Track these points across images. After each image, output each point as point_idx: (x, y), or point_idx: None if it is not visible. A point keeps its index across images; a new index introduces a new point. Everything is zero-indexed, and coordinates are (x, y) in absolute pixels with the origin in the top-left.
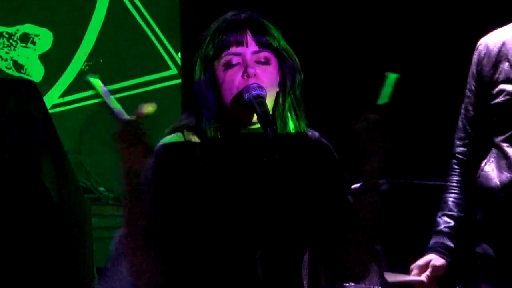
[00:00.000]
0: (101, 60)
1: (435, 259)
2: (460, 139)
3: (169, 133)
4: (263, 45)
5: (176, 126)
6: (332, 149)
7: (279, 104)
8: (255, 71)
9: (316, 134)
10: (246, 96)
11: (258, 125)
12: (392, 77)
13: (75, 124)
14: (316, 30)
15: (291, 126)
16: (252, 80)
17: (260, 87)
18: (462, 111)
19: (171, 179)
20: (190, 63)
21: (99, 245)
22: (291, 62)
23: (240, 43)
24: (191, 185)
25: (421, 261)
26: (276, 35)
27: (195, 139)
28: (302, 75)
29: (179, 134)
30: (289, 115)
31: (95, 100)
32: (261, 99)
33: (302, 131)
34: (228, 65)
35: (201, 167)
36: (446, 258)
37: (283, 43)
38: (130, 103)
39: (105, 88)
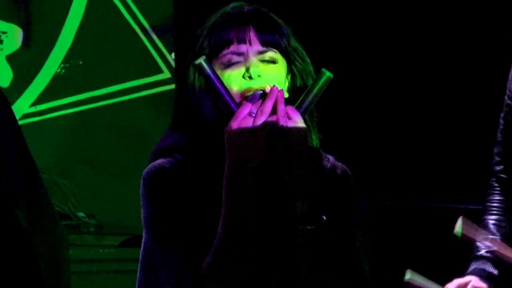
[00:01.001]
0: (80, 62)
1: (476, 281)
2: (499, 154)
3: (156, 157)
4: (268, 44)
5: (160, 149)
6: (348, 178)
7: None
8: (258, 72)
9: (331, 158)
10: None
11: None
12: None
13: (50, 137)
14: (331, 30)
15: None
16: (255, 83)
17: (262, 94)
18: (501, 121)
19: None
20: (184, 64)
21: (77, 281)
22: (303, 64)
23: (242, 40)
24: (190, 215)
25: (460, 280)
26: (285, 32)
27: (189, 160)
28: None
29: (168, 160)
30: None
31: (74, 109)
32: None
33: (314, 145)
34: (228, 64)
35: (199, 194)
36: (488, 284)
37: (293, 42)
38: (114, 112)
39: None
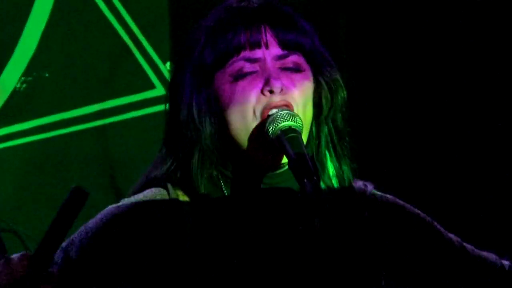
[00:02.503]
0: (47, 75)
1: None
2: None
3: (141, 189)
4: (290, 46)
5: (152, 177)
6: (403, 207)
7: (311, 135)
8: (281, 84)
9: (370, 187)
10: (270, 128)
11: (287, 174)
12: None
13: (7, 172)
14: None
15: (330, 169)
16: (277, 98)
17: (291, 115)
18: None
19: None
20: (174, 78)
21: None
22: (331, 72)
23: (255, 44)
24: (172, 275)
25: None
26: (308, 30)
27: (184, 198)
28: (345, 93)
29: (161, 190)
30: (326, 153)
31: (38, 136)
32: (295, 133)
33: (346, 180)
34: (239, 75)
35: (190, 248)
36: None
37: (318, 43)
38: (91, 140)
39: None
